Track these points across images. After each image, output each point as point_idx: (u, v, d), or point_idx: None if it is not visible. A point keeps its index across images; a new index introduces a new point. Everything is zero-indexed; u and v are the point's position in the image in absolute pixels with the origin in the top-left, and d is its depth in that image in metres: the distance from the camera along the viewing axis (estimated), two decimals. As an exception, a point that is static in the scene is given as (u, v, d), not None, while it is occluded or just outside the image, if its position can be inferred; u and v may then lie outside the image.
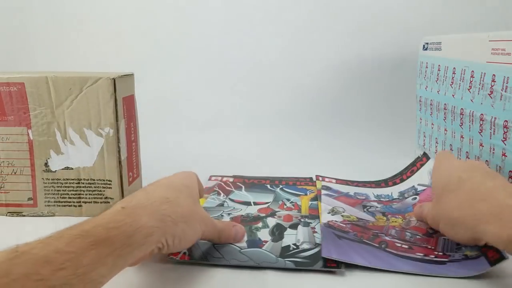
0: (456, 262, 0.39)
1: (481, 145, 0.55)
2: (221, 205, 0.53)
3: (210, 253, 0.40)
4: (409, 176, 0.60)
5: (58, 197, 0.51)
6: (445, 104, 0.64)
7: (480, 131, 0.54)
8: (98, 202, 0.51)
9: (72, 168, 0.50)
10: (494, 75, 0.51)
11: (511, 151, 0.49)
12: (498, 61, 0.50)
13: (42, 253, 0.24)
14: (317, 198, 0.55)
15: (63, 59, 0.95)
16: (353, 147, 0.85)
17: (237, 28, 0.97)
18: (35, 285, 0.22)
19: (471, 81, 0.56)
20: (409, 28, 0.89)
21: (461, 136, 0.60)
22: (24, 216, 0.51)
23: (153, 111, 0.82)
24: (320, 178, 0.62)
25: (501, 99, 0.50)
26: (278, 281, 0.37)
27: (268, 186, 0.60)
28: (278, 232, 0.45)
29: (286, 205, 0.53)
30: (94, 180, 0.50)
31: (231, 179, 0.63)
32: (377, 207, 0.53)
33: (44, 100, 0.48)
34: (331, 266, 0.38)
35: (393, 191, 0.58)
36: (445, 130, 0.65)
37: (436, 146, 0.69)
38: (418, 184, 0.57)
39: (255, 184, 0.61)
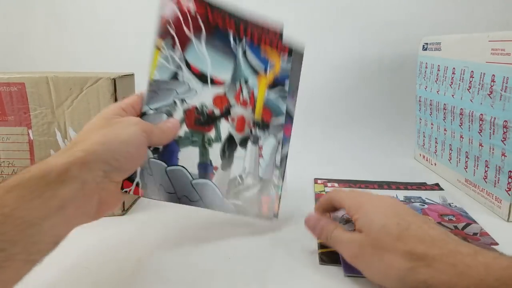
0: None
1: (480, 145, 0.55)
2: (175, 76, 0.41)
3: (162, 184, 0.39)
4: (415, 190, 0.60)
5: (58, 197, 0.51)
6: (444, 104, 0.64)
7: (479, 131, 0.55)
8: (98, 202, 0.51)
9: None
10: (493, 75, 0.51)
11: (511, 151, 0.49)
12: (497, 61, 0.50)
13: None
14: (274, 85, 0.47)
15: (63, 59, 0.96)
16: (352, 147, 0.85)
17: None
18: None
19: (470, 81, 0.56)
20: (409, 28, 0.89)
21: (461, 136, 0.60)
22: (24, 216, 0.51)
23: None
24: (320, 181, 0.62)
25: (500, 99, 0.50)
26: (277, 280, 0.37)
27: (232, 40, 0.44)
28: (228, 152, 0.44)
29: (242, 93, 0.45)
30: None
31: (192, 6, 0.42)
32: None
33: (44, 100, 0.48)
34: (265, 216, 0.42)
35: (398, 194, 0.58)
36: (445, 130, 0.65)
37: (435, 146, 0.69)
38: (426, 198, 0.57)
39: (216, 30, 0.43)
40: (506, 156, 0.50)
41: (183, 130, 0.42)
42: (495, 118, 0.51)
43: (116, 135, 0.33)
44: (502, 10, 0.89)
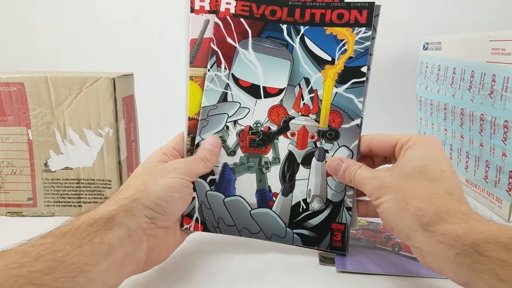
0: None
1: (481, 145, 0.55)
2: (225, 97, 0.40)
3: (222, 217, 0.39)
4: None
5: (57, 197, 0.51)
6: (445, 104, 0.64)
7: (480, 131, 0.54)
8: (97, 202, 0.51)
9: (72, 168, 0.50)
10: (494, 75, 0.51)
11: (511, 151, 0.49)
12: (498, 61, 0.50)
13: (19, 249, 0.26)
14: (344, 79, 0.40)
15: (63, 59, 0.95)
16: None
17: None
18: (18, 272, 0.24)
19: (471, 81, 0.56)
20: (409, 28, 0.89)
21: (461, 136, 0.60)
22: (23, 216, 0.51)
23: (153, 111, 0.82)
24: None
25: (501, 99, 0.50)
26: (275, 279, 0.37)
27: (285, 33, 0.40)
28: (289, 175, 0.40)
29: (303, 98, 0.40)
30: (93, 180, 0.50)
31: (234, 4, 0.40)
32: None
33: (43, 100, 0.48)
34: (336, 246, 0.38)
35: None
36: (445, 130, 0.65)
37: (436, 146, 0.69)
38: None
39: (268, 25, 0.40)
40: (506, 156, 0.50)
41: (238, 156, 0.40)
42: (495, 118, 0.51)
43: (156, 181, 0.35)
44: (503, 10, 0.88)
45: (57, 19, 0.96)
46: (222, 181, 0.40)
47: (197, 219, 0.39)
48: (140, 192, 0.33)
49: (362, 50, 0.40)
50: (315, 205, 0.39)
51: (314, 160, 0.40)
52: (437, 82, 0.66)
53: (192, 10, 0.39)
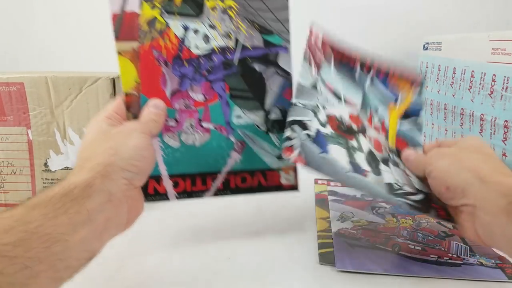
0: (470, 266, 0.39)
1: (481, 145, 0.55)
2: (314, 87, 0.44)
3: (322, 164, 0.39)
4: None
5: (57, 197, 0.51)
6: (445, 104, 0.64)
7: (480, 131, 0.54)
8: (97, 202, 0.51)
9: (72, 168, 0.50)
10: (494, 75, 0.51)
11: (511, 151, 0.49)
12: (498, 61, 0.50)
13: None
14: (407, 116, 0.48)
15: (63, 59, 0.95)
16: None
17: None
18: None
19: (471, 81, 0.56)
20: (409, 28, 0.89)
21: (461, 136, 0.60)
22: (23, 216, 0.51)
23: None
24: (320, 182, 0.62)
25: (501, 99, 0.50)
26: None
27: (357, 71, 0.48)
28: (374, 164, 0.42)
29: (374, 120, 0.46)
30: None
31: (320, 36, 0.49)
32: (386, 207, 0.53)
33: (43, 100, 0.48)
34: (445, 218, 0.38)
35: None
36: (445, 130, 0.65)
37: (436, 146, 0.69)
38: None
39: (342, 61, 0.48)
40: (506, 156, 0.50)
41: (329, 130, 0.42)
42: (495, 118, 0.51)
43: (123, 143, 0.34)
44: (502, 10, 0.88)
45: (57, 19, 0.96)
46: (317, 140, 0.41)
47: (300, 153, 0.38)
48: (112, 156, 0.33)
49: (417, 106, 0.48)
50: (409, 189, 0.40)
51: (391, 164, 0.43)
52: (437, 82, 0.66)
53: None
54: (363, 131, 0.45)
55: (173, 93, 0.40)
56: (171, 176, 0.42)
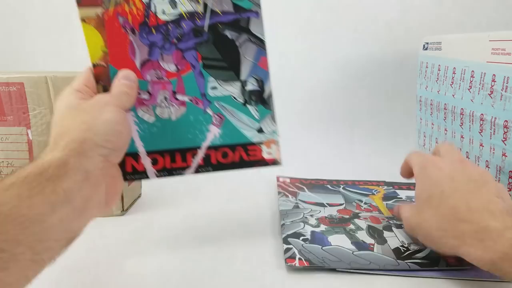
0: (470, 266, 0.39)
1: (481, 145, 0.55)
2: (297, 207, 0.52)
3: (325, 256, 0.40)
4: None
5: (57, 197, 0.51)
6: (445, 104, 0.63)
7: (480, 131, 0.54)
8: (97, 202, 0.51)
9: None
10: (494, 75, 0.51)
11: (511, 151, 0.49)
12: (498, 61, 0.50)
13: None
14: (388, 198, 0.56)
15: (63, 59, 0.95)
16: (353, 147, 0.85)
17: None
18: None
19: (471, 81, 0.56)
20: (409, 28, 0.89)
21: (461, 136, 0.60)
22: (23, 216, 0.51)
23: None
24: (287, 179, 0.63)
25: (501, 99, 0.50)
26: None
27: (329, 186, 0.60)
28: (377, 235, 0.45)
29: (362, 207, 0.53)
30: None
31: (288, 180, 0.62)
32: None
33: (43, 100, 0.48)
34: (454, 265, 0.38)
35: (400, 193, 0.58)
36: (445, 130, 0.65)
37: (436, 146, 0.69)
38: None
39: (313, 184, 0.60)
40: (506, 156, 0.50)
41: (323, 227, 0.46)
42: (495, 118, 0.51)
43: (97, 117, 0.33)
44: (502, 10, 0.88)
45: (57, 19, 0.96)
46: (315, 239, 0.43)
47: (300, 258, 0.39)
48: (85, 132, 0.31)
49: (392, 193, 0.58)
50: (415, 247, 0.42)
51: (393, 228, 0.46)
52: (437, 82, 0.66)
53: None
54: (355, 216, 0.50)
55: (143, 63, 0.38)
56: (149, 153, 0.40)
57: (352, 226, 0.47)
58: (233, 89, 0.41)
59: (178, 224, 0.49)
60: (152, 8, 0.38)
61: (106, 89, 0.37)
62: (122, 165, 0.37)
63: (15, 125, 0.49)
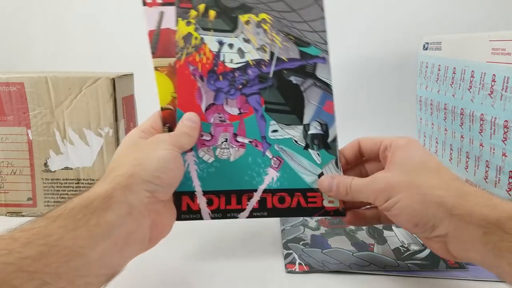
0: (470, 265, 0.39)
1: (481, 145, 0.55)
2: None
3: (325, 260, 0.40)
4: None
5: (57, 197, 0.51)
6: (445, 104, 0.63)
7: (480, 131, 0.54)
8: (97, 202, 0.51)
9: (72, 168, 0.50)
10: (494, 75, 0.51)
11: (511, 151, 0.49)
12: (498, 61, 0.50)
13: (8, 235, 0.25)
14: None
15: (63, 59, 0.95)
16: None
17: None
18: (6, 259, 0.23)
19: (471, 81, 0.56)
20: (409, 28, 0.89)
21: (461, 136, 0.60)
22: (23, 216, 0.51)
23: (153, 111, 0.82)
24: None
25: (501, 99, 0.50)
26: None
27: None
28: (376, 234, 0.45)
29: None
30: (93, 180, 0.50)
31: None
32: None
33: (43, 100, 0.48)
34: (454, 267, 0.39)
35: None
36: (445, 130, 0.65)
37: (436, 146, 0.69)
38: None
39: None
40: (506, 156, 0.49)
41: (323, 230, 0.46)
42: (495, 118, 0.51)
43: (149, 154, 0.33)
44: (503, 10, 0.88)
45: (57, 19, 0.96)
46: (315, 243, 0.43)
47: (300, 263, 0.40)
48: (135, 167, 0.32)
49: None
50: (415, 247, 0.42)
51: (394, 228, 0.47)
52: (437, 82, 0.66)
53: (145, 3, 0.39)
54: None
55: (208, 107, 0.39)
56: (205, 193, 0.40)
57: (352, 227, 0.47)
58: (294, 133, 0.40)
59: (178, 226, 0.49)
60: (221, 58, 0.39)
61: (171, 130, 0.39)
62: (178, 203, 0.38)
63: (15, 125, 0.49)
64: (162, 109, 0.39)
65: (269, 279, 0.38)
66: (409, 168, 0.34)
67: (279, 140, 0.40)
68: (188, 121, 0.38)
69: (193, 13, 0.38)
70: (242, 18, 0.39)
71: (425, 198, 0.32)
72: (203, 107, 0.39)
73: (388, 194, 0.33)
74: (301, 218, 0.49)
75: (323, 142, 0.40)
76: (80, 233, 0.26)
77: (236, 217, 0.40)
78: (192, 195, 0.40)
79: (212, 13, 0.38)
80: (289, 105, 0.40)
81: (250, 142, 0.40)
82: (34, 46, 0.98)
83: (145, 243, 0.33)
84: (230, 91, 0.40)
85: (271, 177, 0.40)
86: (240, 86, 0.39)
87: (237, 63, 0.39)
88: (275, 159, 0.40)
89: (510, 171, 0.49)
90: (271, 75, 0.39)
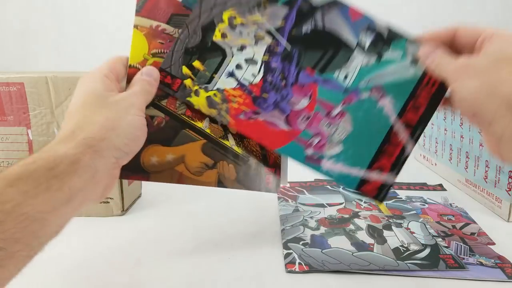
0: (470, 266, 0.39)
1: (481, 145, 0.55)
2: (297, 210, 0.52)
3: (325, 260, 0.40)
4: (418, 190, 0.60)
5: (57, 197, 0.51)
6: (445, 104, 0.63)
7: (480, 131, 0.54)
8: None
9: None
10: (494, 75, 0.51)
11: (511, 151, 0.49)
12: (498, 61, 0.50)
13: None
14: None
15: (63, 59, 0.96)
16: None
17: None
18: None
19: (471, 81, 0.56)
20: (409, 28, 0.89)
21: (461, 136, 0.60)
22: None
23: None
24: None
25: (501, 99, 0.50)
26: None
27: (329, 187, 0.60)
28: (376, 234, 0.45)
29: (362, 206, 0.53)
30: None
31: (287, 184, 0.61)
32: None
33: (43, 100, 0.48)
34: (454, 266, 0.39)
35: (400, 193, 0.58)
36: (445, 130, 0.65)
37: (436, 146, 0.69)
38: (428, 198, 0.57)
39: (313, 186, 0.61)
40: (506, 156, 0.50)
41: (323, 230, 0.46)
42: (495, 118, 0.51)
43: (121, 118, 0.32)
44: (503, 10, 0.88)
45: (57, 19, 0.96)
46: (315, 243, 0.43)
47: (300, 263, 0.40)
48: (108, 132, 0.31)
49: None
50: (415, 247, 0.42)
51: (393, 227, 0.47)
52: (437, 82, 0.66)
53: None
54: (355, 215, 0.50)
55: (286, 121, 0.37)
56: (369, 168, 0.37)
57: (352, 227, 0.47)
58: (357, 61, 0.37)
59: (178, 225, 0.49)
60: (246, 83, 0.37)
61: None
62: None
63: (15, 125, 0.49)
64: (130, 66, 0.38)
65: (269, 279, 0.38)
66: (498, 57, 0.30)
67: (357, 78, 0.36)
68: (147, 76, 0.36)
69: (188, 81, 0.37)
70: (216, 37, 0.37)
71: (494, 91, 0.29)
72: (284, 127, 0.37)
73: (465, 75, 0.31)
74: (301, 218, 0.49)
75: (383, 39, 0.37)
76: (41, 199, 0.26)
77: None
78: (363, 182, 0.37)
79: (197, 64, 0.38)
80: (329, 47, 0.37)
81: (343, 104, 0.37)
82: (34, 46, 0.98)
83: (95, 200, 0.32)
84: (283, 94, 0.37)
85: (387, 107, 0.36)
86: (284, 82, 0.37)
87: (259, 71, 0.37)
88: (374, 92, 0.37)
89: (509, 171, 0.49)
90: (288, 47, 0.37)
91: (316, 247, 0.42)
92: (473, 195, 0.58)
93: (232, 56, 0.38)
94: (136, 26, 0.38)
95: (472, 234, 0.46)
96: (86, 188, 0.29)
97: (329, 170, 0.37)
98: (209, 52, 0.37)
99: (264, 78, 0.37)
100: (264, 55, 0.37)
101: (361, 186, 0.37)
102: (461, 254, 0.41)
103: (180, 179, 0.39)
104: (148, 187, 0.58)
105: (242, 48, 0.37)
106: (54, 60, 0.96)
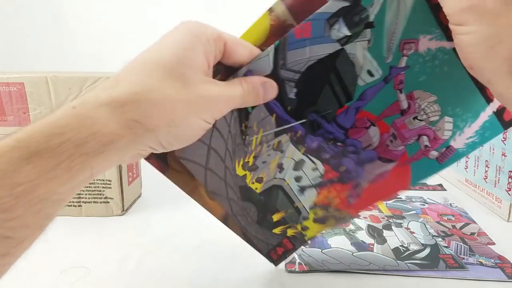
0: (469, 265, 0.39)
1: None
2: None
3: (325, 259, 0.40)
4: (417, 190, 0.60)
5: (57, 197, 0.51)
6: (445, 104, 0.63)
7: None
8: (97, 202, 0.51)
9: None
10: (494, 75, 0.51)
11: (511, 151, 0.49)
12: (498, 61, 0.50)
13: None
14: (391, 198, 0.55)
15: (63, 59, 0.95)
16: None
17: (239, 28, 0.97)
18: None
19: (471, 81, 0.56)
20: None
21: (461, 136, 0.60)
22: (23, 216, 0.51)
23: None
24: None
25: (501, 99, 0.50)
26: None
27: None
28: (376, 234, 0.45)
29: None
30: (93, 180, 0.50)
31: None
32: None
33: (43, 100, 0.48)
34: (454, 266, 0.39)
35: (399, 193, 0.58)
36: (445, 130, 0.65)
37: (436, 146, 0.69)
38: (428, 198, 0.57)
39: None
40: (506, 156, 0.50)
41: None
42: (495, 118, 0.51)
43: (188, 117, 0.26)
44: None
45: (57, 19, 0.96)
46: (314, 243, 0.43)
47: (300, 263, 0.40)
48: (162, 126, 0.25)
49: None
50: (415, 247, 0.42)
51: (393, 227, 0.47)
52: (437, 82, 0.66)
53: None
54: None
55: (386, 160, 0.32)
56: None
57: (352, 226, 0.47)
58: (359, 53, 0.30)
59: (178, 224, 0.49)
60: (319, 180, 0.34)
61: (218, 72, 0.30)
62: None
63: (15, 125, 0.49)
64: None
65: (269, 279, 0.38)
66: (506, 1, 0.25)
67: (378, 60, 0.30)
68: (265, 92, 0.30)
69: (290, 231, 0.36)
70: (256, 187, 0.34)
71: (497, 47, 0.25)
72: (390, 166, 0.32)
73: (469, 17, 0.25)
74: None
75: (348, 13, 0.28)
76: (59, 180, 0.22)
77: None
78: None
79: (277, 216, 0.36)
80: (326, 77, 0.31)
81: (398, 90, 0.30)
82: (34, 46, 0.98)
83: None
84: (350, 149, 0.32)
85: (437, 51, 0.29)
86: (339, 142, 0.32)
87: (313, 162, 0.33)
88: (405, 47, 0.29)
89: (509, 171, 0.49)
90: (301, 119, 0.32)
91: (316, 247, 0.42)
92: (473, 195, 0.58)
93: (287, 182, 0.34)
94: (270, 10, 0.30)
95: (472, 234, 0.46)
96: (108, 167, 0.25)
97: (467, 143, 0.31)
98: (272, 199, 0.35)
99: (324, 161, 0.33)
100: (298, 150, 0.33)
101: (501, 116, 0.30)
102: (461, 254, 0.41)
103: (192, 192, 0.35)
104: (148, 187, 0.58)
105: (280, 168, 0.34)
106: (54, 60, 0.96)
